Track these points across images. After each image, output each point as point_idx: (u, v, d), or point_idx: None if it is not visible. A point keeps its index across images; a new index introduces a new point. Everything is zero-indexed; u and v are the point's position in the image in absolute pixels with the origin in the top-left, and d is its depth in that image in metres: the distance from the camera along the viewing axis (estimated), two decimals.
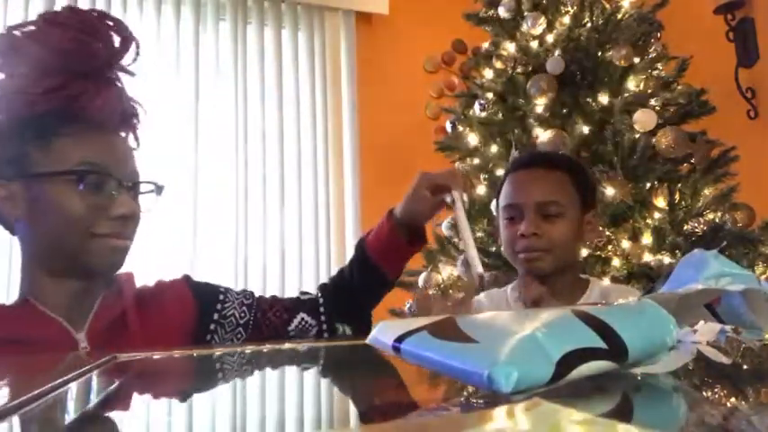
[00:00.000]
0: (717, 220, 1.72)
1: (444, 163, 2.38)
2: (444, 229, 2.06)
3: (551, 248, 1.14)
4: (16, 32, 0.80)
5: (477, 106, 2.19)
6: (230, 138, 2.71)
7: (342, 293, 0.96)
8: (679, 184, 1.80)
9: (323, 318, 0.94)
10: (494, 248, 1.89)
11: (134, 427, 0.35)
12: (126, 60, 0.86)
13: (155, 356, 0.63)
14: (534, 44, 2.08)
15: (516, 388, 0.28)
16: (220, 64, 2.77)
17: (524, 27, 2.08)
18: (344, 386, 0.49)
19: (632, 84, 1.94)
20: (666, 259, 1.67)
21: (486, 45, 2.29)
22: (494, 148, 2.08)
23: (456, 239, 2.06)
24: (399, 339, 0.38)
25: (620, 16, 2.04)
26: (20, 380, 0.49)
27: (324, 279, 2.82)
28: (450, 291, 2.08)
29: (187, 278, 0.96)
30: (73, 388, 0.42)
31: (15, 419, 0.32)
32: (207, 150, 2.67)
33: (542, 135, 1.88)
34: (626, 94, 1.91)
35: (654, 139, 1.79)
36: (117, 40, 0.84)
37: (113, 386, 0.48)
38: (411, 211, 0.91)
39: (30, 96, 0.78)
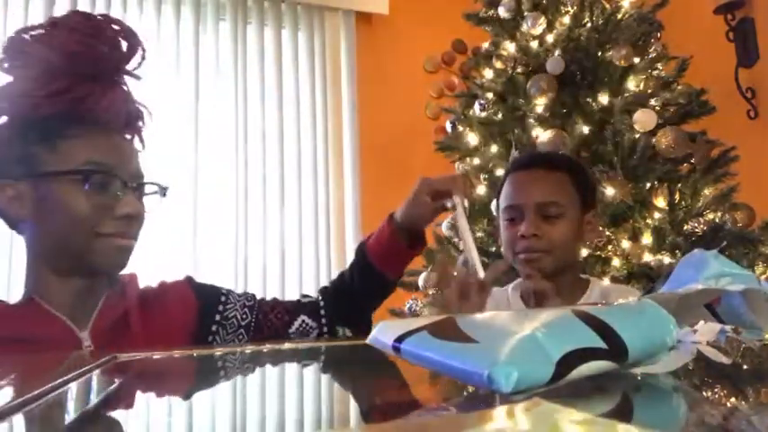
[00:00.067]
0: (717, 220, 1.72)
1: (444, 163, 2.38)
2: (444, 230, 2.06)
3: (551, 249, 1.14)
4: (25, 35, 0.81)
5: (477, 106, 2.19)
6: (230, 138, 2.71)
7: (342, 297, 0.96)
8: (679, 184, 1.80)
9: (323, 320, 0.95)
10: (494, 248, 1.89)
11: (134, 427, 0.35)
12: (132, 65, 0.87)
13: (155, 356, 0.63)
14: (534, 44, 2.08)
15: (516, 388, 0.28)
16: (220, 64, 2.77)
17: (524, 27, 2.08)
18: (344, 386, 0.49)
19: (632, 84, 1.94)
20: (666, 259, 1.67)
21: (486, 45, 2.29)
22: (494, 148, 2.08)
23: (456, 239, 2.06)
24: (399, 339, 0.38)
25: (620, 16, 2.04)
26: (20, 379, 0.49)
27: (324, 279, 2.84)
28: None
29: (189, 279, 0.96)
30: (73, 388, 0.42)
31: (15, 419, 0.32)
32: (207, 150, 2.67)
33: (542, 135, 1.88)
34: (626, 94, 1.91)
35: (654, 139, 1.79)
36: (124, 45, 0.85)
37: (113, 386, 0.48)
38: (412, 215, 0.91)
39: (35, 99, 0.79)
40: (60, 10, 2.54)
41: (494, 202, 1.85)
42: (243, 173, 2.69)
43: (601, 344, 0.32)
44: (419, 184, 0.91)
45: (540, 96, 1.95)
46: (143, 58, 0.87)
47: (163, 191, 0.89)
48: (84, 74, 0.81)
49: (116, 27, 0.84)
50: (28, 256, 0.84)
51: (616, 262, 1.73)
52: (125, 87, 0.88)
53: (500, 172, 2.03)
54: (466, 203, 0.90)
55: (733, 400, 0.35)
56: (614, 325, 0.34)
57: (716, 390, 0.37)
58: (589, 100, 1.95)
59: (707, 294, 0.50)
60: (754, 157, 2.07)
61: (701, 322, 0.47)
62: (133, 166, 0.85)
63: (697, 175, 1.82)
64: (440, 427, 0.24)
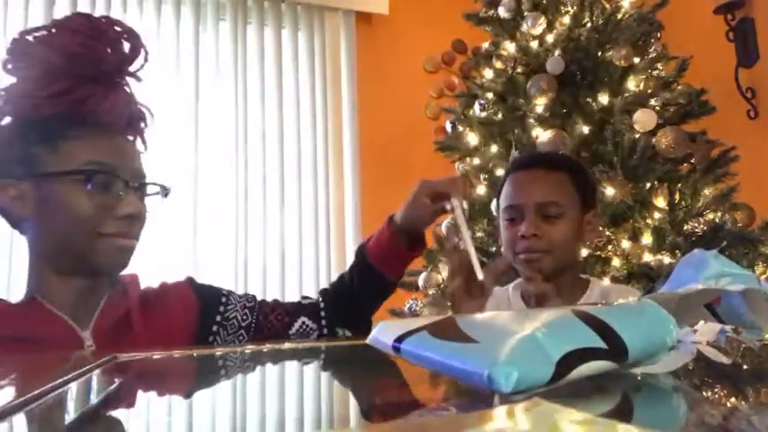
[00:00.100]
0: (717, 220, 1.72)
1: (444, 163, 2.38)
2: (444, 230, 2.06)
3: (551, 249, 1.14)
4: (28, 37, 0.82)
5: (477, 106, 2.19)
6: (230, 138, 2.71)
7: (342, 299, 0.97)
8: (679, 184, 1.80)
9: (324, 322, 0.96)
10: (494, 248, 1.89)
11: (133, 427, 0.35)
12: (134, 66, 0.88)
13: (155, 356, 0.63)
14: (534, 44, 2.08)
15: (516, 388, 0.28)
16: (220, 64, 2.77)
17: (524, 27, 2.08)
18: (344, 386, 0.49)
19: (632, 84, 1.94)
20: (666, 259, 1.67)
21: (486, 45, 2.29)
22: (494, 148, 2.08)
23: (456, 239, 2.05)
24: (399, 339, 0.38)
25: (620, 16, 2.04)
26: (21, 379, 0.49)
27: (324, 279, 2.84)
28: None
29: (190, 280, 0.97)
30: (73, 388, 0.42)
31: (15, 419, 0.32)
32: (207, 150, 2.67)
33: (542, 135, 1.88)
34: (626, 94, 1.91)
35: (654, 139, 1.79)
36: (126, 47, 0.85)
37: (113, 386, 0.48)
38: (411, 217, 0.92)
39: (36, 100, 0.79)
40: (60, 10, 2.54)
41: (494, 202, 1.85)
42: (243, 173, 2.69)
43: (601, 344, 0.32)
44: (418, 186, 0.91)
45: (540, 96, 1.95)
46: (145, 59, 0.88)
47: (165, 191, 0.90)
48: (86, 75, 0.81)
49: (118, 29, 0.85)
50: (30, 255, 0.84)
51: (616, 262, 1.73)
52: (127, 89, 0.89)
53: (500, 172, 2.03)
54: (465, 205, 0.90)
55: (733, 400, 0.35)
56: (614, 325, 0.34)
57: (716, 390, 0.37)
58: (589, 100, 1.95)
59: (707, 294, 0.50)
60: (754, 157, 2.07)
61: (701, 322, 0.47)
62: (135, 167, 0.86)
63: (697, 175, 1.82)
64: (440, 427, 0.24)
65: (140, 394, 0.47)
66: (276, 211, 2.73)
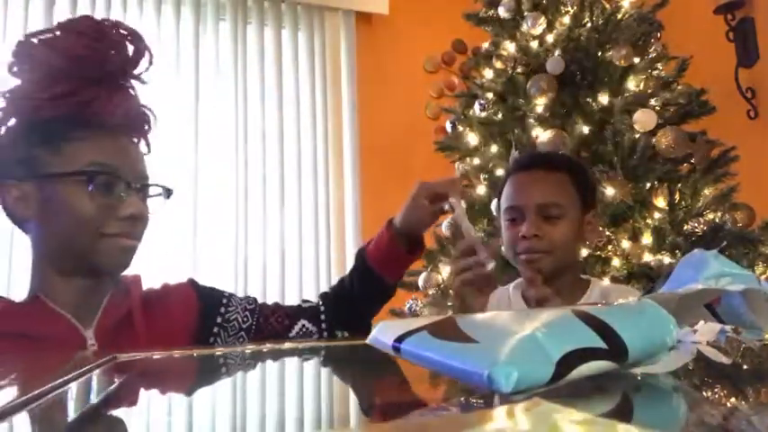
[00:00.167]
0: (717, 220, 1.72)
1: (444, 163, 2.38)
2: (444, 230, 2.06)
3: (552, 249, 1.14)
4: (33, 39, 0.83)
5: (477, 106, 2.19)
6: (230, 138, 2.71)
7: (342, 302, 0.97)
8: (679, 184, 1.80)
9: (324, 325, 0.96)
10: (490, 247, 1.89)
11: (133, 427, 0.35)
12: (139, 69, 0.88)
13: (155, 356, 0.63)
14: (534, 44, 2.08)
15: (516, 388, 0.28)
16: (220, 64, 2.77)
17: (524, 27, 2.08)
18: (344, 386, 0.49)
19: (632, 84, 1.94)
20: (666, 259, 1.67)
21: (486, 45, 2.29)
22: (494, 148, 2.08)
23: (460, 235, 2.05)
24: (399, 339, 0.38)
25: (620, 16, 2.04)
26: (21, 379, 0.49)
27: (324, 279, 2.83)
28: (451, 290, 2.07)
29: (192, 282, 0.98)
30: (73, 388, 0.42)
31: (15, 419, 0.32)
32: (207, 151, 2.67)
33: (542, 135, 1.88)
34: (626, 94, 1.91)
35: (654, 139, 1.79)
36: (131, 49, 0.86)
37: (113, 386, 0.48)
38: (410, 220, 0.92)
39: (38, 101, 0.80)
40: (60, 10, 2.54)
41: (494, 202, 1.85)
42: (243, 173, 2.69)
43: (601, 344, 0.32)
44: (417, 187, 0.91)
45: (540, 96, 1.95)
46: (150, 62, 0.89)
47: (167, 193, 0.91)
48: (90, 77, 0.82)
49: (123, 31, 0.85)
50: (33, 255, 0.85)
51: (616, 262, 1.73)
52: (132, 91, 0.89)
53: (500, 172, 2.03)
54: (463, 204, 0.90)
55: (733, 400, 0.35)
56: (614, 325, 0.34)
57: (716, 390, 0.37)
58: (589, 100, 1.95)
59: (707, 294, 0.50)
60: (754, 157, 2.07)
61: (701, 322, 0.47)
62: (138, 168, 0.86)
63: (697, 175, 1.82)
64: (440, 427, 0.24)
65: (140, 394, 0.47)
66: (276, 211, 2.73)
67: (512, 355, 0.30)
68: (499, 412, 0.22)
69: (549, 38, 2.06)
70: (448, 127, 2.53)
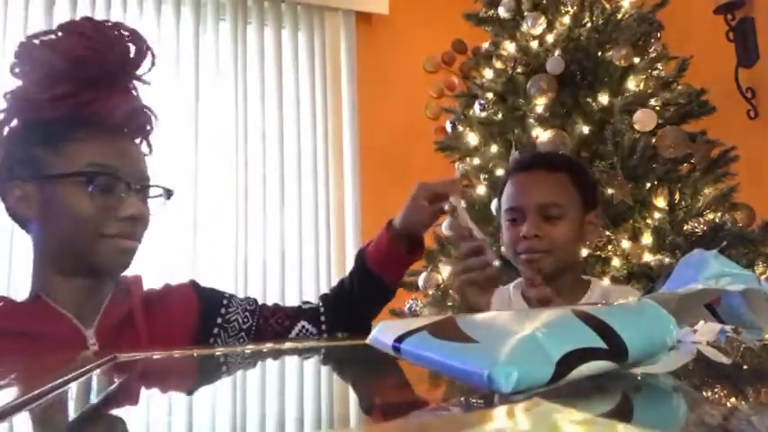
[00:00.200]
0: (717, 220, 1.72)
1: (444, 163, 2.38)
2: (444, 230, 2.06)
3: (553, 249, 1.14)
4: (35, 41, 0.83)
5: (477, 106, 2.19)
6: (230, 138, 2.71)
7: (342, 304, 0.97)
8: (679, 184, 1.80)
9: (323, 326, 0.96)
10: (494, 248, 1.89)
11: (133, 427, 0.35)
12: (142, 69, 0.89)
13: (155, 356, 0.63)
14: (534, 44, 2.08)
15: (516, 388, 0.28)
16: (220, 64, 2.77)
17: (524, 27, 2.08)
18: (344, 386, 0.49)
19: (632, 84, 1.94)
20: (666, 259, 1.67)
21: (486, 45, 2.29)
22: (494, 148, 2.08)
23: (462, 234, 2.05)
24: (399, 339, 0.38)
25: (620, 16, 2.04)
26: (21, 379, 0.50)
27: (324, 279, 2.83)
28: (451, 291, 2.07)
29: (193, 283, 0.98)
30: (73, 387, 0.42)
31: (15, 419, 0.32)
32: (207, 151, 2.67)
33: (542, 135, 1.88)
34: (626, 94, 1.91)
35: (654, 139, 1.79)
36: (132, 50, 0.86)
37: (113, 386, 0.48)
38: (410, 220, 0.92)
39: (39, 102, 0.81)
40: (60, 10, 2.54)
41: (494, 202, 1.85)
42: (243, 173, 2.69)
43: (601, 344, 0.32)
44: (416, 188, 0.92)
45: (540, 96, 1.95)
46: (153, 63, 0.89)
47: (168, 194, 0.91)
48: (90, 78, 0.82)
49: (124, 32, 0.85)
50: (34, 255, 0.86)
51: (616, 262, 1.73)
52: (134, 92, 0.90)
53: (500, 172, 2.03)
54: (463, 204, 0.90)
55: (733, 400, 0.35)
56: (614, 325, 0.33)
57: (716, 390, 0.37)
58: (589, 100, 1.95)
59: (707, 294, 0.50)
60: (754, 157, 2.07)
61: (701, 322, 0.47)
62: (138, 169, 0.86)
63: (697, 175, 1.82)
64: (440, 427, 0.24)
65: (140, 394, 0.47)
66: (276, 211, 2.73)
67: (512, 355, 0.30)
68: (499, 412, 0.22)
69: (549, 38, 2.06)
70: (448, 127, 2.53)
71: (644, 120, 1.80)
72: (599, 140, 1.88)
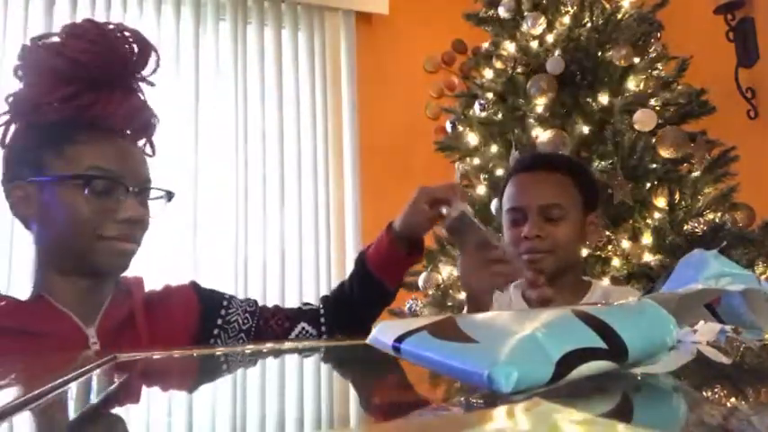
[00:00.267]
0: (717, 220, 1.72)
1: (444, 163, 2.38)
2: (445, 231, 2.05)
3: (554, 250, 1.14)
4: (38, 43, 0.84)
5: (477, 106, 2.19)
6: (230, 138, 2.71)
7: (342, 306, 0.98)
8: (679, 185, 1.80)
9: (323, 328, 0.97)
10: None
11: (133, 427, 0.35)
12: (146, 71, 0.89)
13: (155, 356, 0.63)
14: (534, 44, 2.08)
15: (516, 388, 0.28)
16: (220, 64, 2.77)
17: (524, 27, 2.08)
18: (344, 386, 0.49)
19: (632, 84, 1.94)
20: (666, 259, 1.67)
21: (486, 45, 2.29)
22: (494, 148, 2.08)
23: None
24: (399, 339, 0.38)
25: (620, 16, 2.04)
26: (21, 378, 0.50)
27: (324, 279, 2.83)
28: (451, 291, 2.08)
29: (194, 284, 0.98)
30: (73, 387, 0.42)
31: (15, 418, 0.32)
32: (207, 151, 2.67)
33: (542, 135, 1.88)
34: (626, 94, 1.91)
35: (654, 139, 1.79)
36: (135, 52, 0.87)
37: (113, 386, 0.48)
38: (410, 224, 0.92)
39: (41, 105, 0.81)
40: (60, 10, 2.54)
41: (494, 203, 1.85)
42: (243, 173, 2.69)
43: (601, 344, 0.32)
44: (417, 192, 0.92)
45: (540, 96, 1.95)
46: (157, 64, 0.90)
47: (169, 196, 0.91)
48: (92, 81, 0.83)
49: (126, 34, 0.86)
50: (35, 255, 0.86)
51: (616, 262, 1.73)
52: (140, 95, 0.90)
53: (500, 172, 2.03)
54: (469, 209, 0.91)
55: (733, 400, 0.35)
56: (614, 325, 0.33)
57: (716, 390, 0.37)
58: (589, 100, 1.95)
59: (707, 294, 0.50)
60: (754, 157, 2.07)
61: (701, 322, 0.47)
62: (138, 172, 0.87)
63: (697, 175, 1.82)
64: (440, 427, 0.24)
65: (140, 394, 0.47)
66: (276, 211, 2.73)
67: (512, 355, 0.30)
68: (499, 412, 0.22)
69: (549, 38, 2.06)
70: (448, 127, 2.53)
71: (644, 120, 1.80)
72: (599, 140, 1.88)
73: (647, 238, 1.73)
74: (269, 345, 0.77)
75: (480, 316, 0.39)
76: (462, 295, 1.95)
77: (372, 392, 0.44)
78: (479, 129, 2.14)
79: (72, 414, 0.37)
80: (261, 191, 2.72)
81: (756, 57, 2.37)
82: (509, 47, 2.14)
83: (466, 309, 1.00)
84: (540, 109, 1.97)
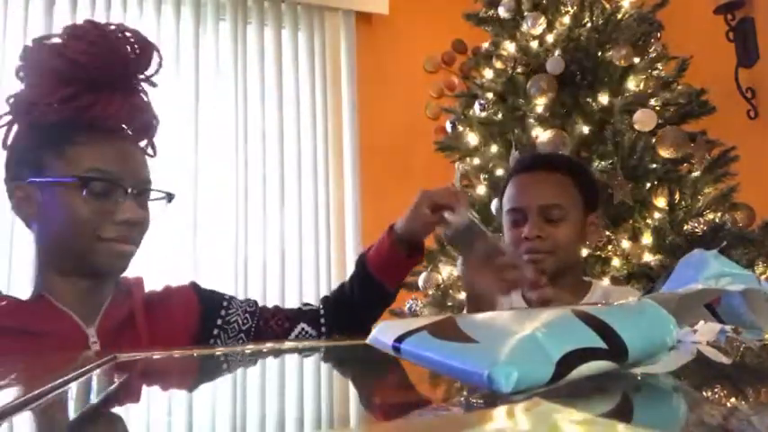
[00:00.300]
0: (717, 220, 1.72)
1: (444, 163, 2.38)
2: (445, 235, 2.05)
3: (555, 250, 1.14)
4: (39, 44, 0.84)
5: (477, 106, 2.19)
6: (230, 138, 2.70)
7: (342, 307, 0.98)
8: (679, 185, 1.80)
9: (323, 329, 0.97)
10: None
11: (133, 427, 0.35)
12: (148, 71, 0.90)
13: (155, 356, 0.63)
14: (534, 44, 2.08)
15: (516, 388, 0.28)
16: (220, 64, 2.77)
17: (524, 27, 2.08)
18: (345, 386, 0.49)
19: (632, 84, 1.94)
20: (666, 259, 1.67)
21: (486, 45, 2.29)
22: (494, 148, 2.08)
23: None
24: (399, 339, 0.38)
25: (620, 16, 2.04)
26: (21, 378, 0.50)
27: (324, 279, 2.82)
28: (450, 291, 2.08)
29: (194, 284, 0.99)
30: (73, 387, 0.42)
31: (15, 419, 0.32)
32: (207, 151, 2.67)
33: (542, 135, 1.88)
34: (626, 94, 1.91)
35: (654, 139, 1.79)
36: (135, 53, 0.87)
37: (113, 386, 0.48)
38: (411, 227, 0.93)
39: (42, 106, 0.81)
40: (60, 10, 2.54)
41: (494, 203, 1.85)
42: (243, 173, 2.69)
43: (601, 344, 0.32)
44: (419, 196, 0.92)
45: (540, 96, 1.95)
46: (159, 65, 0.90)
47: (169, 197, 0.92)
48: (92, 82, 0.83)
49: (127, 34, 0.86)
50: (36, 255, 0.86)
51: (616, 262, 1.73)
52: (142, 95, 0.91)
53: (500, 172, 2.03)
54: (474, 214, 0.91)
55: (733, 400, 0.35)
56: (614, 325, 0.34)
57: (716, 390, 0.37)
58: (589, 100, 1.95)
59: (707, 294, 0.50)
60: (754, 157, 2.07)
61: (701, 322, 0.47)
62: (138, 173, 0.87)
63: (697, 175, 1.82)
64: (440, 427, 0.24)
65: (140, 394, 0.47)
66: (276, 211, 2.73)
67: (512, 355, 0.30)
68: (499, 412, 0.22)
69: (549, 38, 2.06)
70: (448, 127, 2.53)
71: (644, 120, 1.80)
72: (599, 140, 1.88)
73: (647, 238, 1.73)
74: (269, 345, 0.77)
75: (480, 316, 0.39)
76: (462, 295, 1.96)
77: (372, 392, 0.44)
78: (479, 129, 2.14)
79: (72, 414, 0.37)
80: (261, 191, 2.72)
81: (756, 57, 2.37)
82: (509, 47, 2.14)
83: (466, 309, 1.00)
84: (540, 109, 1.97)
